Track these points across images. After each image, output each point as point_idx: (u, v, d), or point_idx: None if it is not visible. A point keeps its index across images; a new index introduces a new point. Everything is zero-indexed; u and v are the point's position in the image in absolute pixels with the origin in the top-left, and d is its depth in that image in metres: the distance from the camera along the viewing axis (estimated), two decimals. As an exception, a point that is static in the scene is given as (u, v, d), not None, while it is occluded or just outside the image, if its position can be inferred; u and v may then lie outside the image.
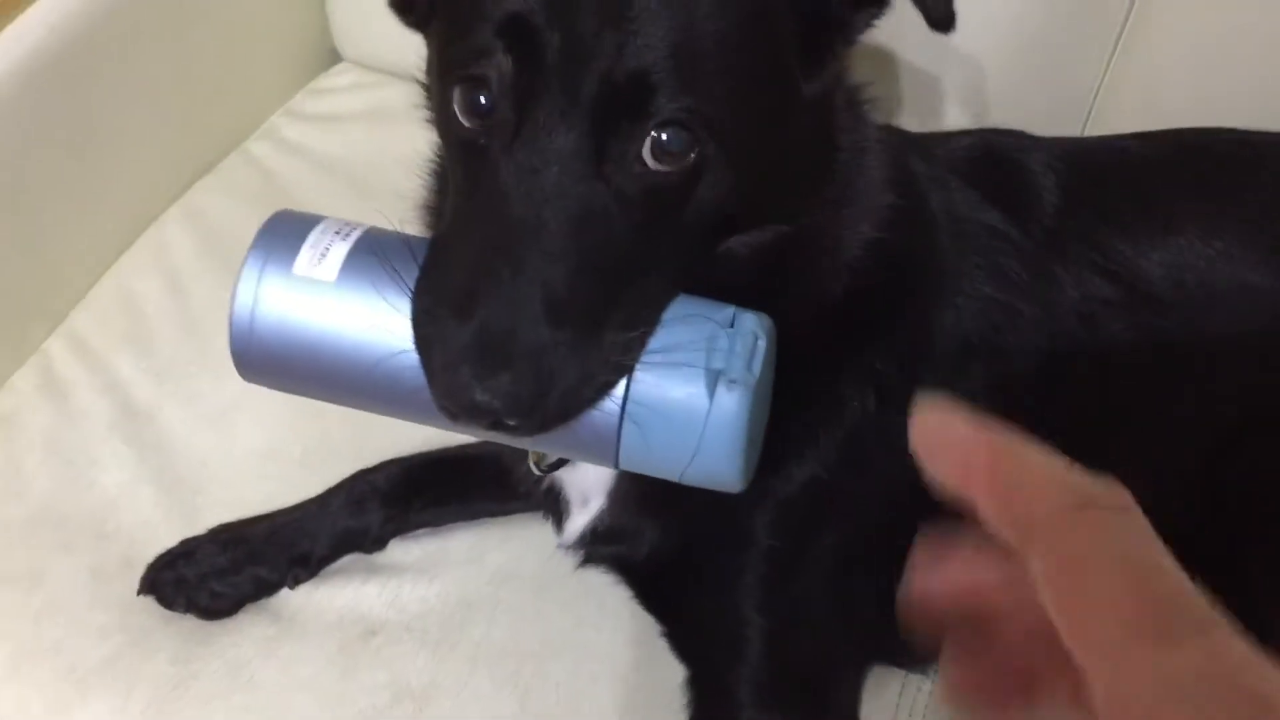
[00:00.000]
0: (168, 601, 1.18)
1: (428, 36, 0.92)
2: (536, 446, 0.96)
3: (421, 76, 0.97)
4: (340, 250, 0.83)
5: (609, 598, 1.16)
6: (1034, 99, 1.38)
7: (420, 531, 1.24)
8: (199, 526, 1.23)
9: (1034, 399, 1.06)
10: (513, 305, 0.73)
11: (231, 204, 1.53)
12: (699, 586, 1.07)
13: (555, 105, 0.74)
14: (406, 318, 0.80)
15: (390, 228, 0.88)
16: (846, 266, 0.96)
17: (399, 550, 1.23)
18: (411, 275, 0.80)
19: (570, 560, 1.16)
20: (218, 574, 1.18)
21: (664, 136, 0.76)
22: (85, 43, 1.35)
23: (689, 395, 0.79)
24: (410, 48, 0.93)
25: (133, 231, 1.49)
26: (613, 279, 0.77)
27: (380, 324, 0.81)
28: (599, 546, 1.11)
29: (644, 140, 0.76)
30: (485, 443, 1.16)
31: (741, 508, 1.02)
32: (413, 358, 0.79)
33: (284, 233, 0.84)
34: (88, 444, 1.30)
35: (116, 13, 1.38)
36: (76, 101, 1.36)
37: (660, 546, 1.07)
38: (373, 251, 0.84)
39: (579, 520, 1.10)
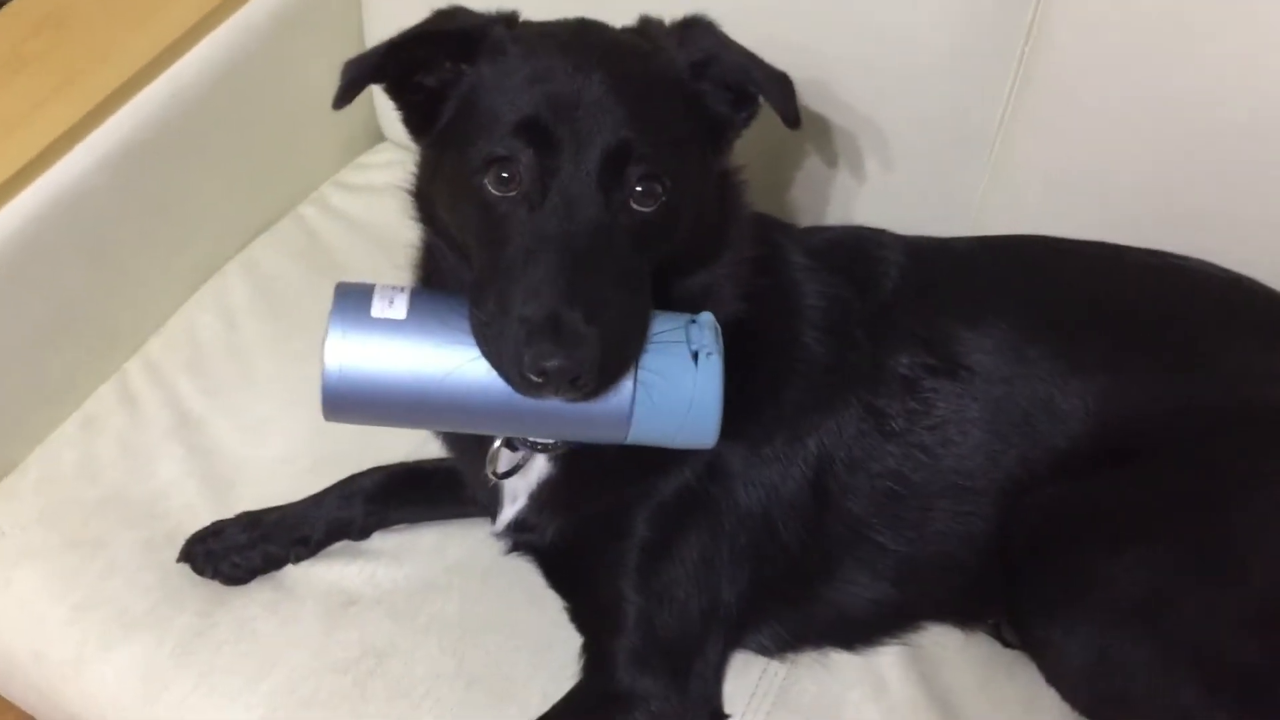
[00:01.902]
0: (198, 569, 1.50)
1: (434, 150, 1.26)
2: (557, 432, 1.24)
3: (408, 186, 1.32)
4: (403, 298, 1.17)
5: (536, 587, 1.45)
6: (926, 202, 1.66)
7: (397, 525, 1.56)
8: (230, 512, 1.56)
9: (859, 447, 1.35)
10: (567, 299, 1.07)
11: (282, 258, 1.88)
12: (590, 570, 1.37)
13: (572, 172, 1.12)
14: (468, 337, 1.11)
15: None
16: (729, 317, 1.26)
17: (379, 539, 1.55)
18: (461, 311, 1.14)
19: (511, 557, 1.48)
20: (238, 549, 1.51)
21: (640, 188, 1.13)
22: (171, 129, 1.70)
23: (681, 365, 1.15)
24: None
25: (201, 278, 1.84)
26: (623, 283, 1.12)
27: (446, 344, 1.12)
28: (519, 534, 1.42)
29: (632, 187, 1.13)
30: (448, 458, 1.50)
31: (627, 506, 1.34)
32: (476, 368, 1.11)
33: (352, 295, 1.17)
34: (151, 444, 1.64)
35: (196, 104, 1.73)
36: (160, 174, 1.71)
37: (561, 536, 1.38)
38: (427, 297, 1.19)
39: (508, 513, 1.41)
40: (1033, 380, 1.35)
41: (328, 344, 1.12)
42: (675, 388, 1.13)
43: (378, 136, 2.09)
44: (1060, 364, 1.34)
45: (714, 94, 1.23)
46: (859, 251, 1.45)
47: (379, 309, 1.14)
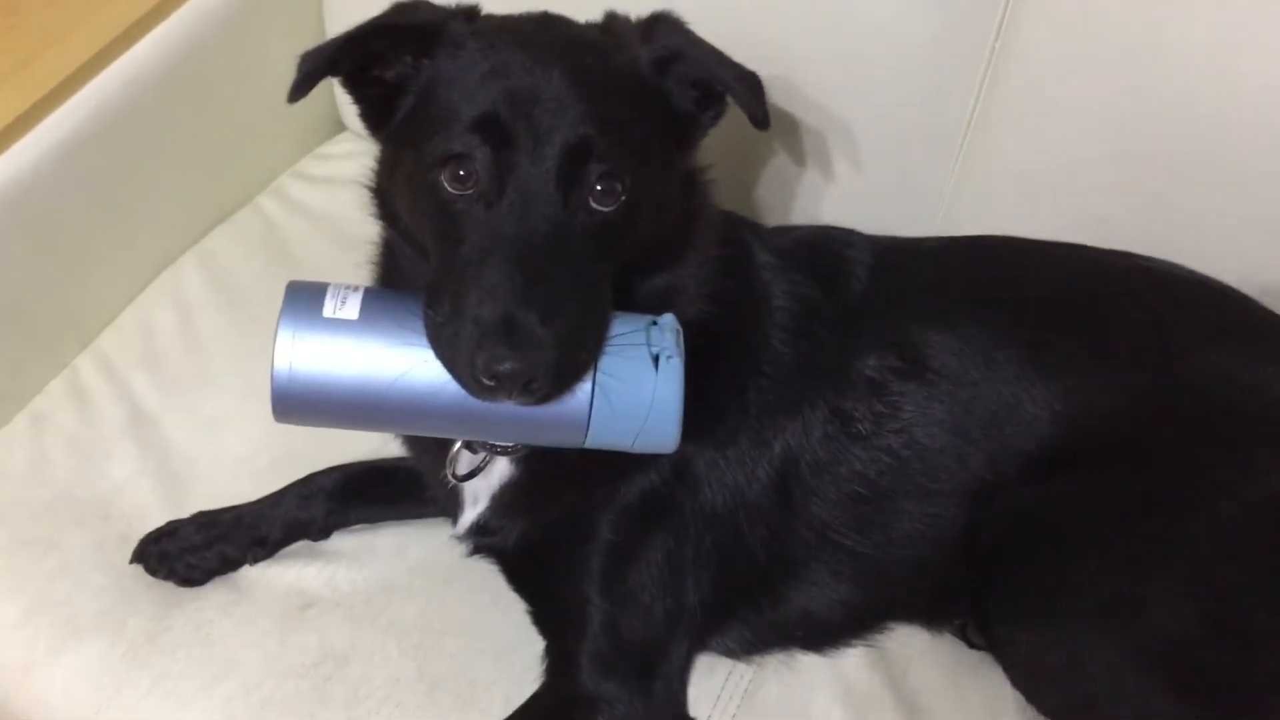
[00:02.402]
0: (152, 570, 1.47)
1: (392, 145, 1.23)
2: (512, 436, 1.22)
3: (368, 182, 1.29)
4: (356, 298, 1.14)
5: (499, 589, 1.43)
6: (893, 200, 1.65)
7: (357, 525, 1.53)
8: (185, 512, 1.53)
9: (825, 450, 1.33)
10: (522, 300, 1.05)
11: (239, 250, 1.84)
12: (554, 573, 1.36)
13: (530, 170, 1.09)
14: (421, 338, 1.09)
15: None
16: (694, 318, 1.24)
17: (338, 540, 1.52)
18: (415, 311, 1.11)
19: (473, 559, 1.45)
20: (193, 550, 1.47)
21: (599, 187, 1.10)
22: (124, 117, 1.66)
23: (640, 369, 1.13)
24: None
25: (155, 269, 1.80)
26: (581, 284, 1.10)
27: (399, 346, 1.10)
28: (480, 537, 1.40)
29: (591, 186, 1.11)
30: (407, 457, 1.47)
31: (590, 509, 1.32)
32: (429, 370, 1.08)
33: (303, 294, 1.14)
34: (103, 442, 1.60)
35: (151, 91, 1.69)
36: (114, 164, 1.67)
37: (524, 539, 1.36)
38: (381, 297, 1.16)
39: (469, 515, 1.39)
40: (1000, 383, 1.34)
41: (277, 344, 1.09)
42: (634, 392, 1.11)
43: (338, 126, 2.05)
44: (1028, 367, 1.34)
45: (679, 92, 1.21)
46: (827, 252, 1.44)
47: (331, 309, 1.11)
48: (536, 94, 1.10)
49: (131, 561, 1.47)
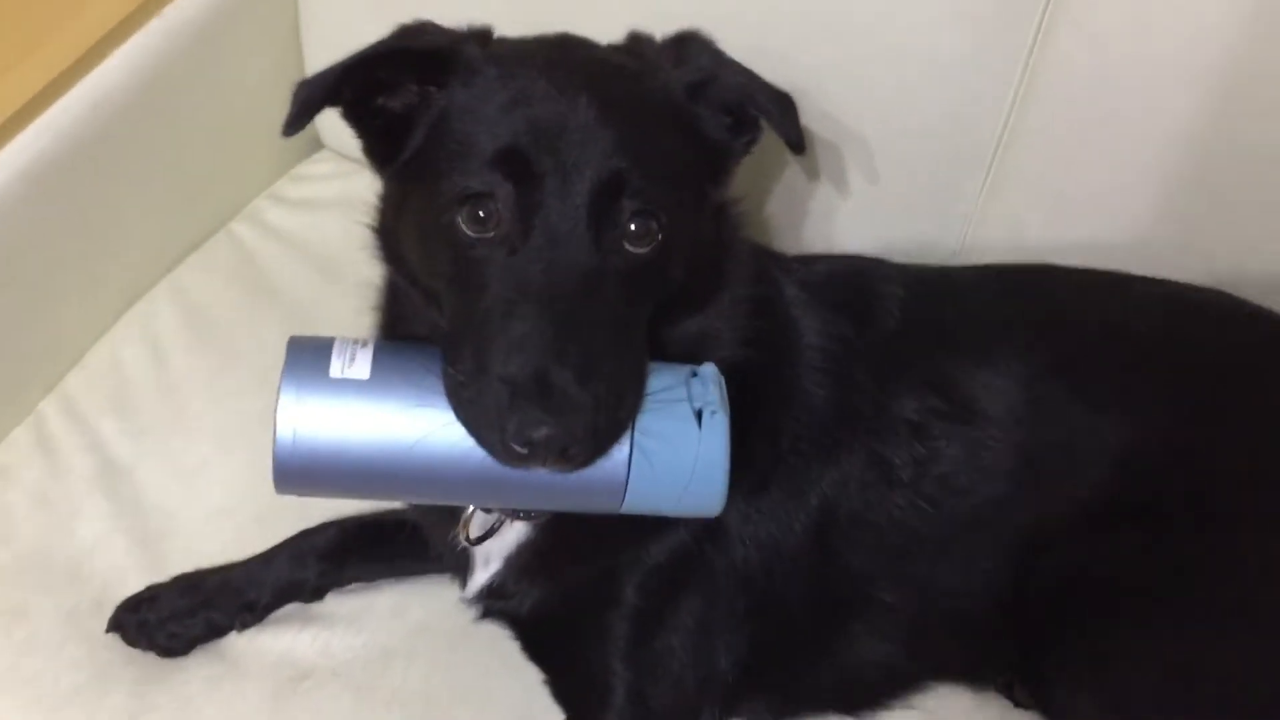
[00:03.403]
0: (131, 640, 1.35)
1: (398, 182, 1.13)
2: (539, 504, 1.12)
3: (370, 222, 1.19)
4: (365, 355, 1.03)
5: (511, 653, 1.32)
6: (914, 219, 1.56)
7: (353, 585, 1.42)
8: (164, 573, 1.41)
9: (864, 499, 1.24)
10: (555, 355, 0.95)
11: (214, 282, 1.72)
12: (574, 641, 1.25)
13: (558, 208, 0.99)
14: (439, 398, 0.98)
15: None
16: (724, 364, 1.13)
17: (333, 602, 1.41)
18: (431, 367, 1.00)
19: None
20: (175, 617, 1.36)
21: (633, 226, 1.00)
22: (89, 142, 1.53)
23: (682, 426, 1.02)
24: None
25: (124, 304, 1.68)
26: (617, 334, 1.00)
27: (415, 407, 0.99)
28: (493, 601, 1.29)
29: (625, 225, 1.01)
30: (408, 510, 1.36)
31: (614, 571, 1.22)
32: (448, 434, 0.97)
33: (307, 352, 1.02)
34: (71, 496, 1.48)
35: (117, 113, 1.56)
36: (77, 191, 1.54)
37: (541, 605, 1.25)
38: (393, 352, 1.05)
39: (480, 577, 1.28)
40: (1049, 425, 1.25)
41: (279, 409, 0.98)
42: (677, 452, 1.01)
43: (316, 144, 1.93)
44: (1078, 406, 1.25)
45: (712, 119, 1.12)
46: (857, 284, 1.34)
47: (338, 367, 1.00)
48: (563, 124, 1.00)
49: (108, 631, 1.36)
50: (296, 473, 1.00)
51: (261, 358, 1.59)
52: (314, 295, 1.69)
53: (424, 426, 0.98)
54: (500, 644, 1.33)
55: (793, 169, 1.60)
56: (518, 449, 0.93)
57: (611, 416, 0.97)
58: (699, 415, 1.02)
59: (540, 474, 0.97)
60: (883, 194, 1.56)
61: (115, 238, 1.64)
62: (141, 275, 1.70)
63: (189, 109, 1.69)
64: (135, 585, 1.39)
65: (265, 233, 1.80)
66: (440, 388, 0.99)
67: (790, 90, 1.17)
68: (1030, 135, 1.45)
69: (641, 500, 1.02)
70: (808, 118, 1.49)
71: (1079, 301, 1.35)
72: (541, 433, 0.92)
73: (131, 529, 1.45)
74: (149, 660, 1.35)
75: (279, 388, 0.99)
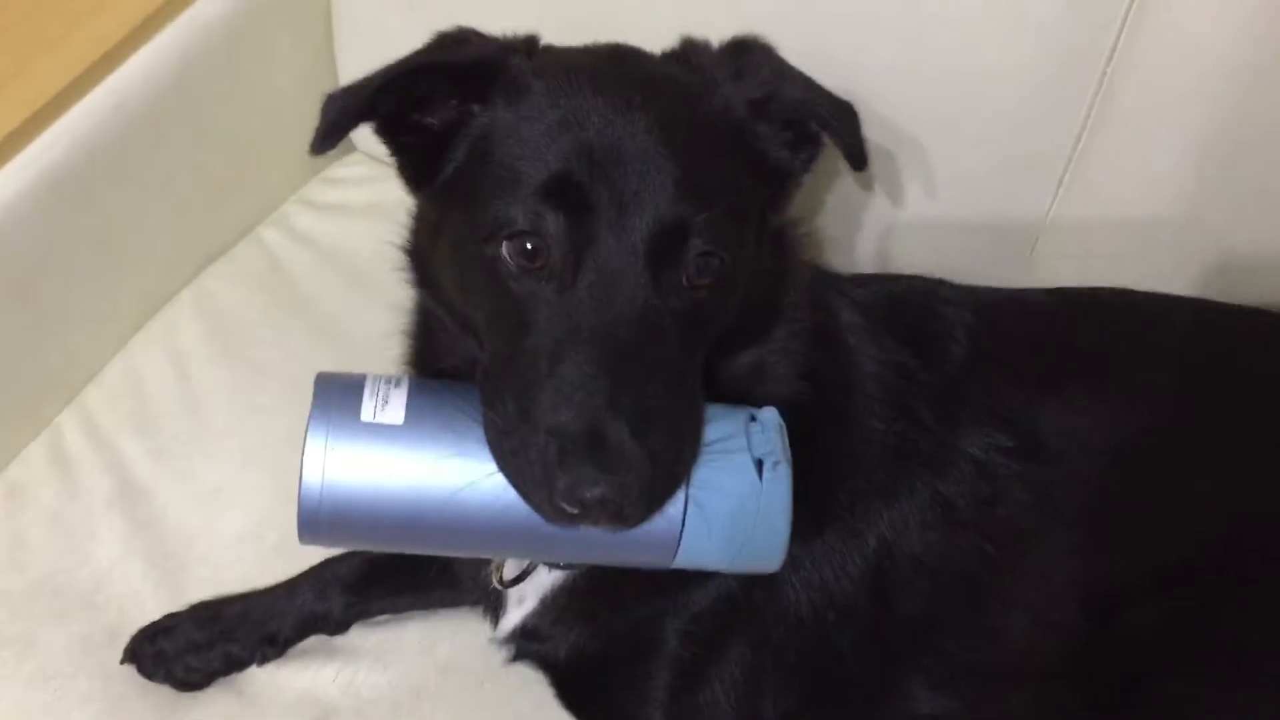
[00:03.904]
0: (147, 672, 1.29)
1: (436, 205, 1.05)
2: (585, 559, 1.04)
3: (403, 244, 1.12)
4: (400, 396, 0.95)
5: (546, 697, 1.24)
6: (976, 235, 1.46)
7: (379, 618, 1.35)
8: (182, 600, 1.35)
9: (924, 541, 1.15)
10: (610, 407, 0.87)
11: (239, 291, 1.65)
12: (612, 689, 1.18)
13: (613, 245, 0.91)
14: (479, 445, 0.90)
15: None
16: (780, 400, 1.06)
17: (358, 635, 1.34)
18: (469, 409, 0.93)
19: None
20: (193, 649, 1.29)
21: (694, 267, 0.94)
22: (109, 146, 1.46)
23: (741, 479, 0.94)
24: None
25: (145, 314, 1.61)
26: (671, 386, 0.92)
27: (454, 456, 0.91)
28: (526, 643, 1.21)
29: (688, 266, 0.93)
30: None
31: (656, 618, 1.14)
32: (490, 486, 0.90)
33: (335, 391, 0.95)
34: (88, 519, 1.41)
35: (139, 117, 1.49)
36: (97, 199, 1.48)
37: (578, 650, 1.17)
38: (429, 392, 0.97)
39: (512, 617, 1.21)
40: (1130, 466, 1.16)
41: (307, 455, 0.91)
42: (735, 507, 0.93)
43: (348, 147, 1.84)
44: (1166, 451, 1.16)
45: (772, 137, 1.04)
46: (920, 308, 1.25)
47: (370, 409, 0.93)
48: (619, 149, 0.92)
49: (123, 662, 1.30)
50: (324, 524, 0.92)
51: (288, 371, 1.53)
52: (345, 306, 1.61)
53: (463, 477, 0.91)
54: (534, 687, 1.26)
55: (844, 179, 1.51)
56: (568, 509, 0.86)
57: (668, 472, 0.90)
58: (759, 466, 0.94)
59: (588, 531, 0.89)
60: (943, 207, 1.46)
61: (136, 244, 1.57)
62: (163, 283, 1.63)
63: (214, 110, 1.61)
64: (152, 613, 1.33)
65: (294, 239, 1.73)
66: (480, 434, 0.92)
67: (841, 94, 1.09)
68: (1105, 151, 1.35)
69: (694, 557, 0.94)
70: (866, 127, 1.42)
71: (1168, 330, 1.26)
72: (595, 492, 0.84)
73: (149, 553, 1.39)
74: (165, 694, 1.29)
75: (306, 432, 0.91)
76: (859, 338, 1.20)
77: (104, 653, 1.30)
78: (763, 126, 1.02)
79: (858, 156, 1.06)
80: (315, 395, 0.93)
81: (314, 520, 0.92)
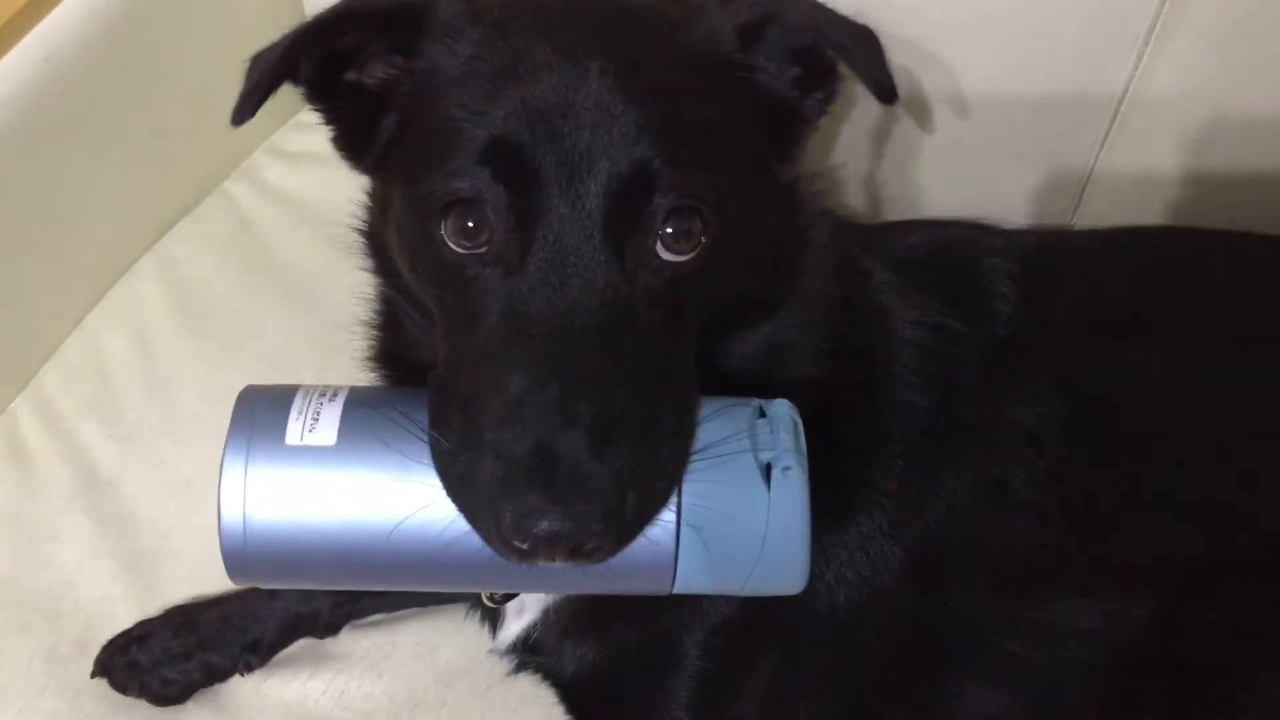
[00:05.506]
0: (120, 686, 1.19)
1: (381, 180, 0.93)
2: (565, 589, 0.94)
3: (358, 225, 1.00)
4: (333, 411, 0.81)
5: (553, 703, 1.14)
6: (1021, 172, 1.33)
7: (373, 618, 1.23)
8: (157, 602, 1.24)
9: (974, 526, 1.03)
10: (562, 424, 0.73)
11: (206, 255, 1.51)
12: (627, 707, 1.06)
13: (564, 218, 0.77)
14: (426, 468, 0.78)
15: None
16: (802, 380, 0.94)
17: (349, 639, 1.23)
18: (416, 423, 0.80)
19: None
20: (170, 660, 1.19)
21: (670, 229, 0.80)
22: (44, 103, 1.31)
23: (745, 489, 0.79)
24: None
25: (104, 283, 1.48)
26: (648, 382, 0.78)
27: (394, 481, 0.79)
28: (529, 656, 1.10)
29: (657, 230, 0.79)
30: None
31: (673, 630, 1.02)
32: (436, 513, 0.77)
33: (258, 409, 0.82)
34: (48, 516, 1.30)
35: (79, 66, 1.34)
36: (39, 161, 1.33)
37: (588, 665, 1.06)
38: (366, 406, 0.83)
39: (512, 628, 1.09)
40: (1210, 432, 1.03)
41: (224, 486, 0.79)
42: (739, 524, 0.79)
43: (319, 87, 1.69)
44: (1248, 407, 1.03)
45: (774, 71, 0.89)
46: (960, 261, 1.12)
47: (296, 430, 0.80)
48: (569, 102, 0.79)
49: (93, 675, 1.19)
50: (254, 563, 0.80)
51: (264, 345, 1.41)
52: (324, 266, 1.47)
53: (406, 505, 0.78)
54: (541, 693, 1.15)
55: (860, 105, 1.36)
56: (517, 544, 0.73)
57: (644, 491, 0.76)
58: (767, 471, 0.80)
59: (555, 565, 0.77)
60: (985, 143, 1.32)
61: (87, 209, 1.42)
62: (121, 251, 1.50)
63: (165, 53, 1.46)
64: (124, 620, 1.23)
65: (264, 193, 1.58)
66: (426, 451, 0.79)
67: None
68: (1164, 81, 1.21)
69: (697, 583, 0.81)
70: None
71: (1235, 274, 1.12)
72: (544, 526, 0.71)
73: (118, 552, 1.28)
74: (140, 710, 1.19)
75: (221, 459, 0.79)
76: (894, 299, 1.07)
77: (72, 666, 1.20)
78: (759, 59, 0.87)
79: (885, 86, 0.90)
80: (234, 415, 0.81)
81: (241, 559, 0.79)
